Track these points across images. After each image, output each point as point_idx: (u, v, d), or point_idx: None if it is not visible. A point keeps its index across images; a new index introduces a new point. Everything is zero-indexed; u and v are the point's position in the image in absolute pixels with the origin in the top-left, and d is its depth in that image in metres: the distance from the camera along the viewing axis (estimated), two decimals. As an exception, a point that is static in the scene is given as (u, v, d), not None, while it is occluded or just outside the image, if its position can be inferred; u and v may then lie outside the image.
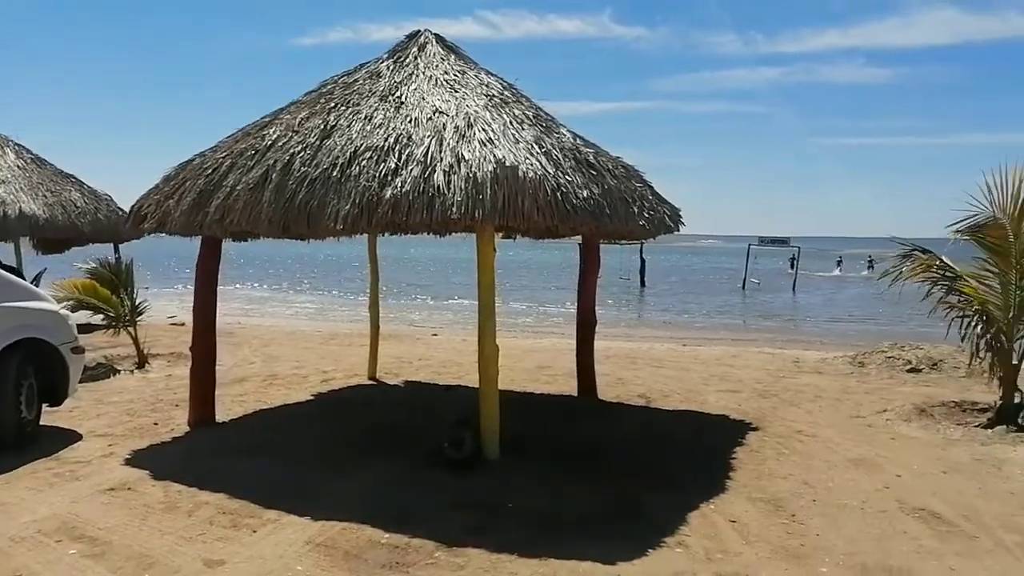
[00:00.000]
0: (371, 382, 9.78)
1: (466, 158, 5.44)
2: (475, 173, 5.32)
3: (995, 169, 7.46)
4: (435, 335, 16.39)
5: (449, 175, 5.39)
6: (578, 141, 6.65)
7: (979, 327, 7.46)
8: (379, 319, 10.08)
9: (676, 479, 5.72)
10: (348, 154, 5.83)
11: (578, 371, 8.63)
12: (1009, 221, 7.37)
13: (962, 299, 7.62)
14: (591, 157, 6.43)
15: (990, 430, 7.08)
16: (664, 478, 5.74)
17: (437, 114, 5.97)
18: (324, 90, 6.85)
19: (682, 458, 6.34)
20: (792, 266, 42.71)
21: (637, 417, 7.91)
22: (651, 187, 7.66)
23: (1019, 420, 7.26)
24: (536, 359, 11.79)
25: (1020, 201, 7.33)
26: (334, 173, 5.74)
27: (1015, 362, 7.31)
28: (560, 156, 5.95)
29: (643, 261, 40.04)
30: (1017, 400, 7.35)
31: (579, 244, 8.63)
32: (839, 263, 52.55)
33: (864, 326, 22.64)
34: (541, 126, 6.35)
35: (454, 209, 5.24)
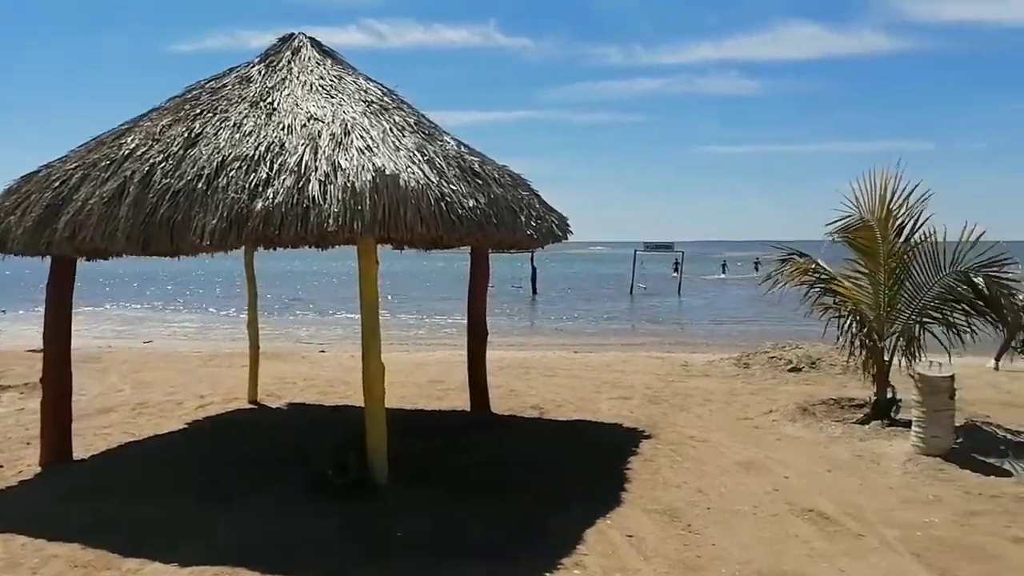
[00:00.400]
0: (252, 406, 9.22)
1: (343, 167, 5.13)
2: (353, 183, 5.02)
3: (864, 174, 7.80)
4: (322, 352, 15.83)
5: (325, 185, 5.06)
6: (463, 149, 6.45)
7: (853, 326, 7.75)
8: (259, 337, 9.52)
9: (572, 494, 5.59)
10: (215, 164, 5.40)
11: (470, 385, 8.41)
12: (877, 224, 7.70)
13: (837, 300, 7.90)
14: (476, 165, 6.25)
15: (867, 425, 7.34)
16: (560, 494, 5.60)
17: (312, 121, 5.63)
18: (189, 96, 6.36)
19: (577, 471, 6.23)
20: (676, 270, 44.12)
21: (531, 430, 7.77)
22: (538, 196, 7.56)
23: (892, 414, 7.59)
24: (428, 373, 11.51)
25: (887, 204, 7.67)
26: (199, 185, 5.30)
27: (886, 359, 7.62)
28: (444, 164, 5.73)
29: (534, 269, 40.36)
30: (889, 395, 7.67)
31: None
32: (724, 266, 54.75)
33: (747, 327, 23.54)
34: (423, 133, 6.11)
35: (331, 221, 4.92)
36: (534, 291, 39.51)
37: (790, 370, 10.83)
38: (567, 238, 7.89)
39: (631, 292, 39.83)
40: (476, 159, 6.40)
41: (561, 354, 14.73)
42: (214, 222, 5.11)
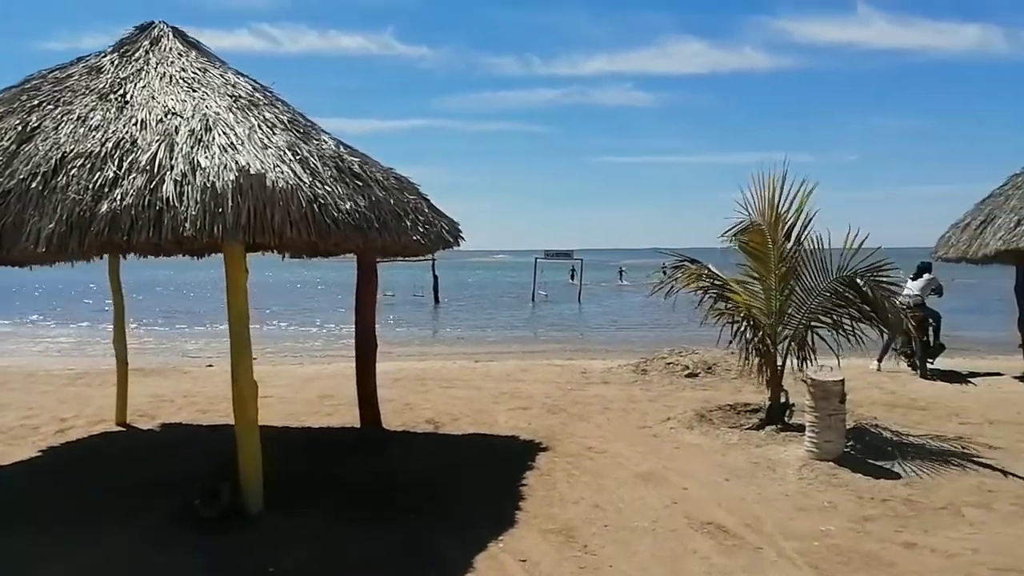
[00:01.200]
0: (120, 428, 8.42)
1: (202, 166, 4.63)
2: (213, 183, 4.53)
3: (754, 177, 7.80)
4: (210, 366, 14.90)
5: (181, 185, 4.55)
6: (342, 149, 6.02)
7: (747, 332, 7.73)
8: (127, 353, 8.72)
9: (464, 515, 5.24)
10: (53, 161, 4.79)
11: (360, 400, 7.92)
12: (767, 227, 7.71)
13: (730, 305, 7.87)
14: (356, 166, 5.83)
15: (762, 431, 7.32)
16: (451, 515, 5.25)
17: (169, 116, 5.10)
18: (28, 86, 5.67)
19: (471, 490, 5.88)
20: (572, 277, 44.56)
21: (424, 446, 7.38)
22: (427, 200, 7.19)
23: (785, 418, 7.60)
24: (319, 387, 10.92)
25: (775, 207, 7.70)
26: (34, 184, 4.68)
27: (779, 364, 7.64)
28: (319, 164, 5.30)
29: (436, 277, 39.93)
30: (783, 400, 7.69)
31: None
32: (621, 273, 55.75)
33: (646, 332, 23.82)
34: (297, 131, 5.65)
35: (188, 225, 4.41)
36: (436, 299, 39.08)
37: (687, 376, 10.84)
38: (459, 244, 7.56)
39: (533, 300, 39.95)
40: (357, 160, 5.98)
41: (462, 364, 14.35)
42: (51, 226, 4.51)
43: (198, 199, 4.48)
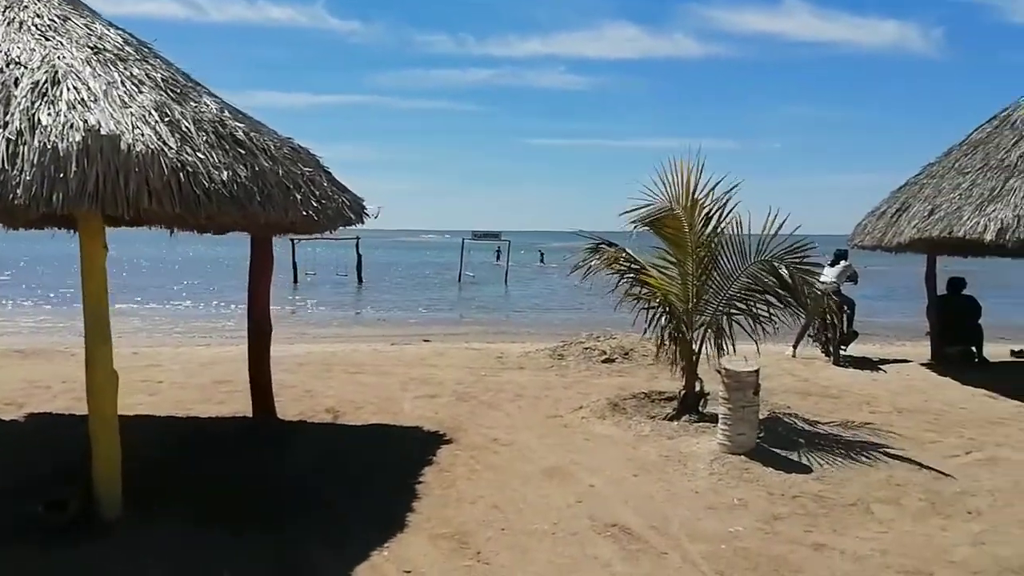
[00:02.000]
0: (-21, 419, 7.62)
1: (43, 124, 4.00)
2: (55, 144, 3.91)
3: (667, 163, 7.50)
4: (106, 347, 13.90)
5: (16, 146, 3.93)
6: (226, 114, 5.42)
7: (663, 318, 7.49)
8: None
9: (350, 519, 4.80)
10: None
11: (252, 388, 7.33)
12: (684, 213, 7.44)
13: (647, 291, 7.61)
14: (240, 132, 5.24)
15: (676, 422, 7.10)
16: (336, 519, 4.80)
17: (11, 66, 4.42)
18: None
19: (362, 488, 5.43)
20: (498, 258, 44.23)
21: (319, 439, 6.88)
22: (329, 173, 6.65)
23: (700, 408, 7.41)
24: (218, 372, 10.21)
25: (692, 194, 7.44)
26: None
27: (695, 351, 7.43)
28: (192, 128, 4.70)
29: (359, 256, 39.05)
30: (698, 388, 7.49)
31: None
32: (542, 255, 55.72)
33: (569, 315, 23.66)
34: (172, 92, 5.02)
35: (20, 192, 3.80)
36: (359, 279, 38.24)
37: (604, 361, 10.61)
38: (363, 222, 7.03)
39: (459, 281, 39.51)
40: (242, 126, 5.38)
41: (377, 347, 13.81)
42: None
43: (35, 161, 3.87)
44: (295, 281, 37.22)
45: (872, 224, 11.15)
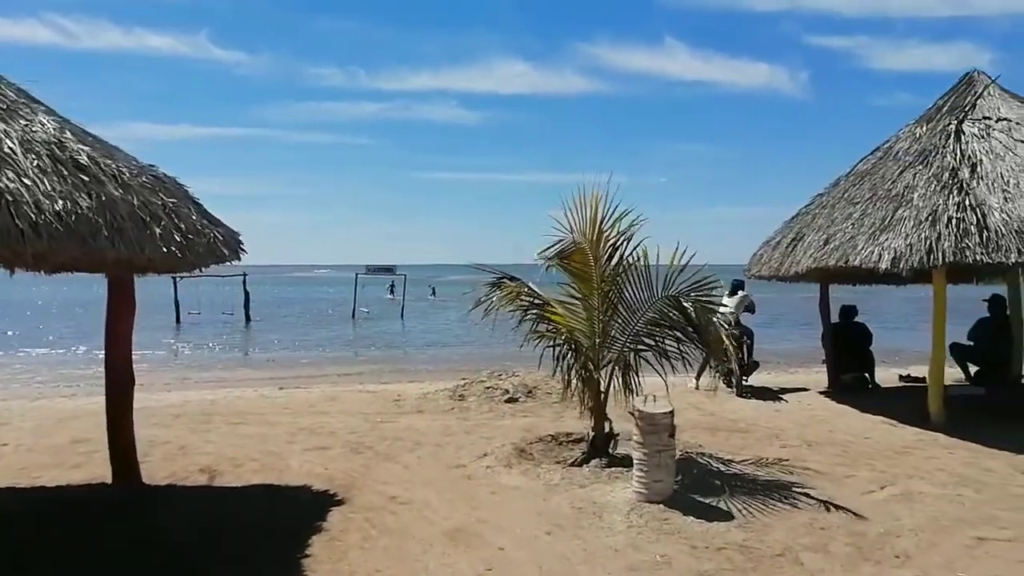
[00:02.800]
0: None
1: None
2: None
3: (575, 194, 7.16)
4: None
5: None
6: (68, 135, 4.66)
7: (569, 356, 7.07)
8: None
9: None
10: None
11: (111, 450, 6.39)
12: (590, 245, 7.10)
13: (551, 328, 7.20)
14: (84, 157, 4.50)
15: (587, 467, 6.66)
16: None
17: None
18: None
19: (240, 567, 4.68)
20: (391, 292, 43.33)
21: (190, 506, 6.03)
22: (199, 205, 5.93)
23: (610, 450, 7.02)
24: (77, 428, 9.07)
25: (598, 225, 7.12)
26: None
27: (603, 390, 7.05)
28: (18, 151, 3.95)
29: (247, 294, 37.33)
30: (607, 429, 7.10)
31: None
32: (433, 290, 55.02)
33: (469, 350, 23.11)
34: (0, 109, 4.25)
35: None
36: (247, 318, 36.47)
37: (507, 401, 10.12)
38: (239, 258, 6.31)
39: (353, 317, 38.35)
40: (88, 149, 4.63)
41: (264, 392, 12.82)
42: None
43: None
44: (177, 321, 35.10)
45: (768, 254, 11.22)
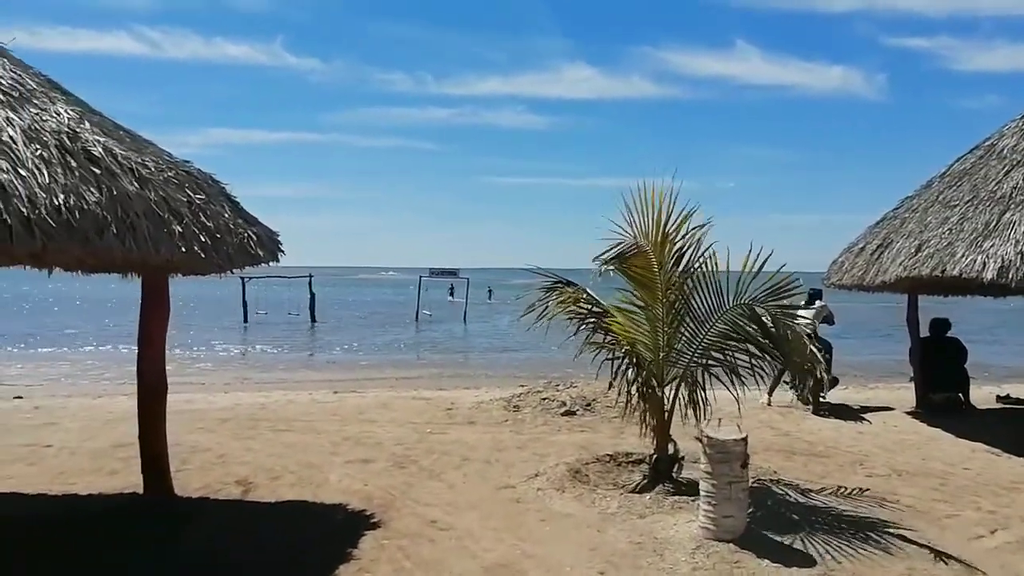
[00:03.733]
0: None
1: None
2: None
3: (637, 192, 6.55)
4: (18, 398, 12.53)
5: None
6: (85, 126, 4.32)
7: (630, 370, 6.46)
8: None
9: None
10: None
11: (144, 461, 6.09)
12: (653, 249, 6.49)
13: (610, 338, 6.60)
14: (98, 148, 4.14)
15: (647, 494, 6.03)
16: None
17: None
18: None
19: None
20: (451, 295, 43.27)
21: (218, 523, 5.65)
22: (235, 203, 5.59)
23: (674, 474, 6.39)
24: (121, 431, 8.85)
25: (663, 227, 6.49)
26: None
27: (667, 408, 6.42)
28: (18, 140, 3.60)
29: (312, 295, 37.67)
30: (671, 451, 6.47)
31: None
32: (490, 293, 54.57)
33: (529, 355, 22.58)
34: (7, 96, 3.93)
35: None
36: (312, 318, 36.79)
37: (563, 414, 9.55)
38: (276, 260, 5.96)
39: (416, 319, 38.31)
40: (103, 140, 4.28)
41: (317, 396, 12.56)
42: None
43: None
44: (245, 320, 35.68)
45: (850, 262, 10.35)
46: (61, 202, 3.53)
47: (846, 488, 6.37)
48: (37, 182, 3.48)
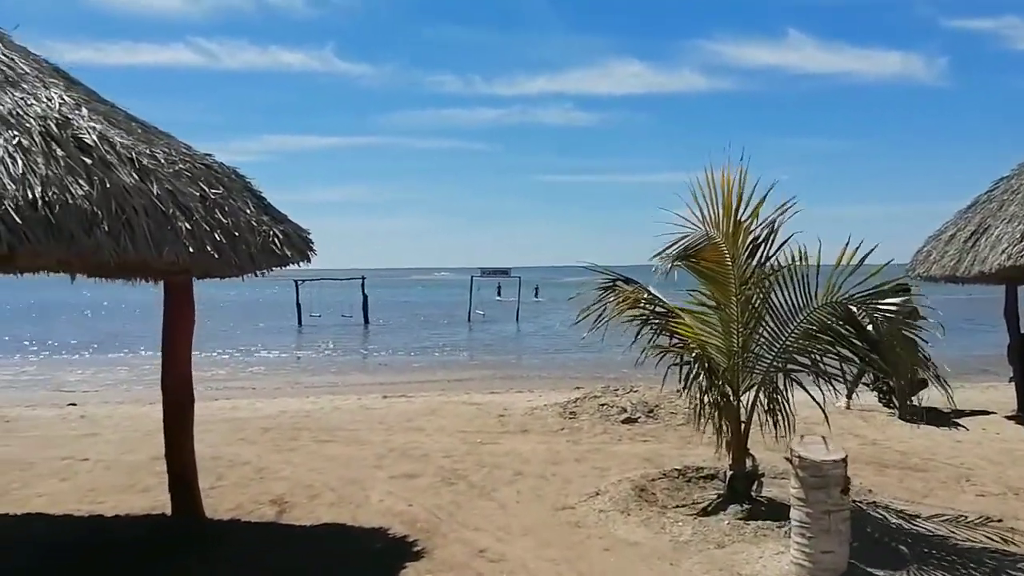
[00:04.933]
0: None
1: None
2: None
3: (706, 173, 5.83)
4: (72, 405, 12.49)
5: None
6: (82, 112, 3.83)
7: (700, 377, 5.75)
8: None
9: None
10: None
11: (170, 479, 5.64)
12: (725, 240, 5.76)
13: (677, 341, 5.90)
14: (92, 136, 3.64)
15: (724, 515, 5.32)
16: None
17: None
18: None
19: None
20: (499, 294, 42.97)
21: (246, 550, 5.15)
22: (260, 198, 5.08)
23: (753, 492, 5.66)
24: (161, 443, 8.41)
25: (733, 214, 5.76)
26: None
27: (744, 419, 5.69)
28: (-8, 124, 3.10)
29: (365, 297, 37.62)
30: (749, 466, 5.74)
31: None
32: (537, 291, 53.72)
33: (584, 355, 21.84)
34: (-11, 77, 3.46)
35: None
36: (365, 320, 36.74)
37: (624, 421, 8.84)
38: (307, 260, 5.41)
39: (469, 319, 37.91)
40: (100, 128, 3.78)
41: (366, 401, 12.12)
42: None
43: None
44: (299, 324, 35.79)
45: (938, 251, 9.39)
46: (38, 195, 3.03)
47: (957, 512, 5.51)
48: (8, 172, 2.98)
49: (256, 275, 4.98)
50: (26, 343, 26.92)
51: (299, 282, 36.51)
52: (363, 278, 38.88)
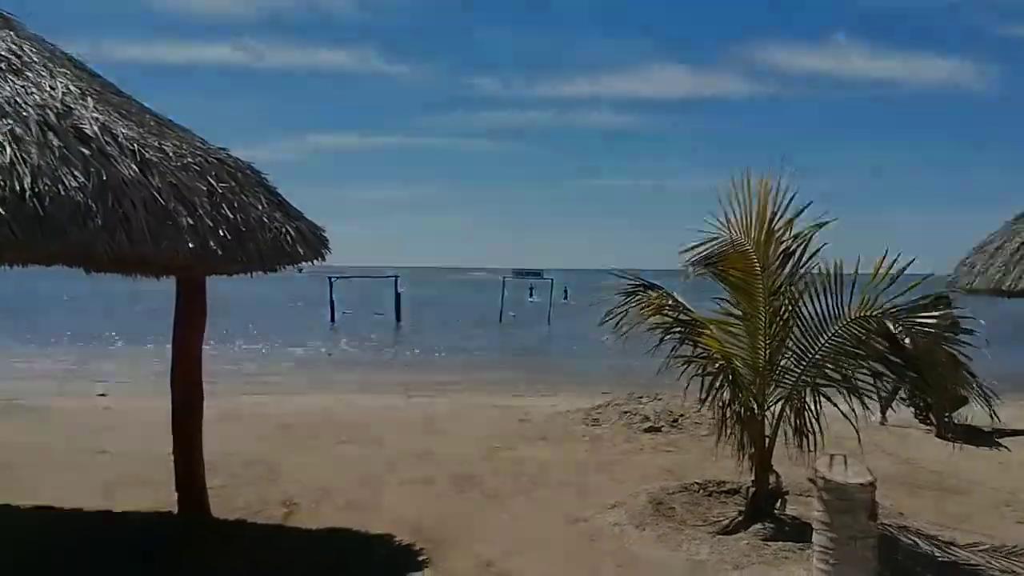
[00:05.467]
0: None
1: None
2: None
3: (739, 180, 5.62)
4: (102, 395, 12.64)
5: None
6: (86, 102, 3.75)
7: (725, 390, 5.51)
8: None
9: None
10: None
11: (177, 477, 5.56)
12: (755, 248, 5.53)
13: (701, 351, 5.67)
14: (94, 127, 3.55)
15: (745, 534, 5.09)
16: None
17: None
18: None
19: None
20: (530, 295, 42.89)
21: (248, 555, 5.04)
22: (274, 194, 4.97)
23: (776, 510, 5.42)
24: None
25: (767, 223, 5.53)
26: None
27: (768, 435, 5.44)
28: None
29: (398, 295, 37.74)
30: (772, 484, 5.49)
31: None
32: (565, 292, 53.29)
33: (615, 360, 21.56)
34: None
35: None
36: (398, 318, 36.83)
37: (647, 430, 8.61)
38: (321, 259, 5.30)
39: (500, 320, 37.78)
40: (102, 117, 3.69)
41: (389, 400, 12.06)
42: None
43: None
44: (332, 320, 35.97)
45: (983, 263, 8.94)
46: (27, 185, 2.94)
47: (995, 541, 5.18)
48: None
49: (265, 272, 4.87)
50: (66, 333, 27.36)
51: (333, 279, 36.75)
52: (396, 276, 39.04)
